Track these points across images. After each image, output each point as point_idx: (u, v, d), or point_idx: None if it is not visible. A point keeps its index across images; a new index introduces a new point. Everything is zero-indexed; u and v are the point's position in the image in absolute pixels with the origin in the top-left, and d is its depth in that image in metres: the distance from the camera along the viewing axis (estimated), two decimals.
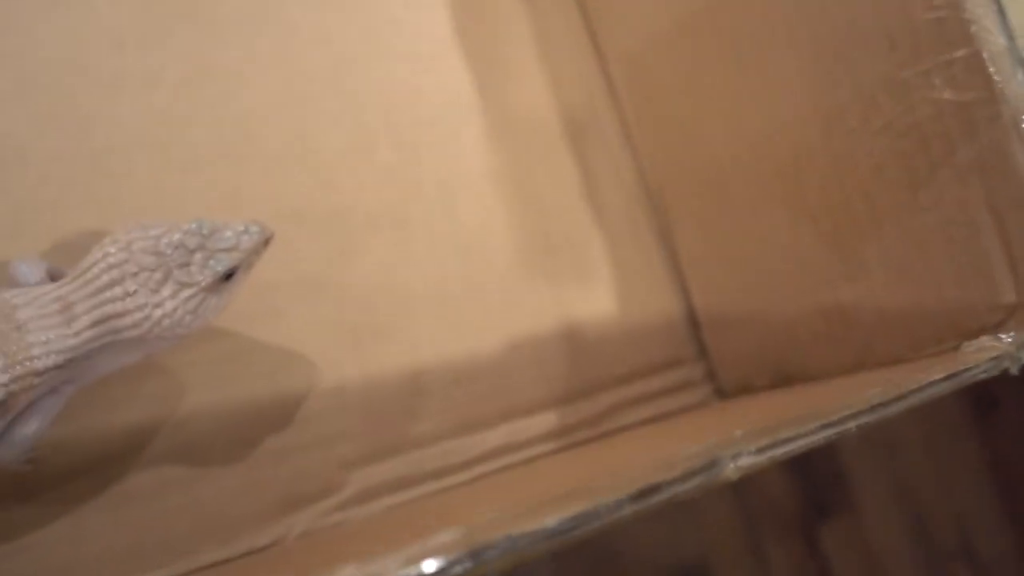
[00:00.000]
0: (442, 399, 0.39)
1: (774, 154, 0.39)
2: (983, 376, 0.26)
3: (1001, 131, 0.30)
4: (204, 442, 0.34)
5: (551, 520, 0.19)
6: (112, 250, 0.29)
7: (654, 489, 0.20)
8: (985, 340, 0.27)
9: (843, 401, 0.23)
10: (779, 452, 0.22)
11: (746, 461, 0.21)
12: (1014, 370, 0.27)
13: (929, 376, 0.25)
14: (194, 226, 0.29)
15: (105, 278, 0.28)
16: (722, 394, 0.45)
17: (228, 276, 0.30)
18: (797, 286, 0.39)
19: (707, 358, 0.45)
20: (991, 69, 0.30)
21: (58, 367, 0.28)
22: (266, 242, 0.31)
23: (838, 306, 0.37)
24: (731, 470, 0.21)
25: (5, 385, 0.27)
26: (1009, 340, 0.27)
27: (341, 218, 0.39)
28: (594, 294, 0.44)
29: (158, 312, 0.28)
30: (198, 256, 0.29)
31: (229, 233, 0.29)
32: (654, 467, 0.20)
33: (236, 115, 0.38)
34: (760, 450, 0.22)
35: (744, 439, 0.21)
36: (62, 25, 0.35)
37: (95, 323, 0.28)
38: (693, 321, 0.45)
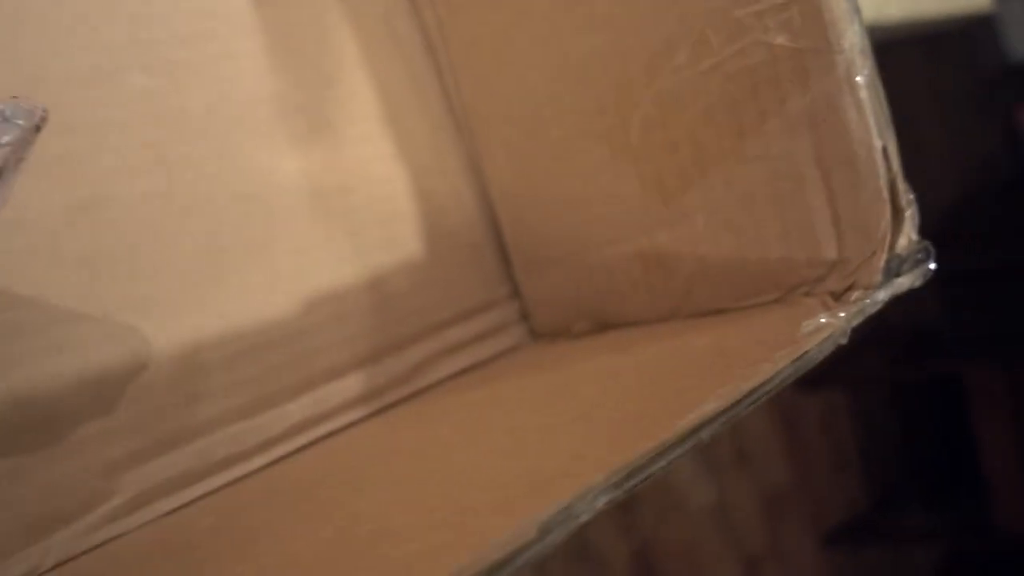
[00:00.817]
0: (228, 375, 0.33)
1: (595, 88, 0.35)
2: (820, 356, 0.25)
3: (833, 83, 0.29)
4: None
5: None
6: None
7: (510, 558, 0.17)
8: (821, 320, 0.26)
9: (691, 415, 0.21)
10: (636, 482, 0.20)
11: (603, 500, 0.19)
12: (843, 341, 0.27)
13: (776, 367, 0.23)
14: None
15: None
16: (536, 336, 0.43)
17: None
18: (616, 229, 0.37)
19: (520, 298, 0.43)
20: (827, 17, 0.28)
21: None
22: (37, 127, 0.25)
23: (657, 253, 0.36)
24: (588, 514, 0.19)
25: None
26: (842, 316, 0.26)
27: (82, 163, 0.31)
28: (397, 236, 0.39)
29: None
30: None
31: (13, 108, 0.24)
32: (508, 532, 0.17)
33: None
34: (616, 486, 0.19)
35: (601, 482, 0.18)
36: None
37: None
38: (505, 259, 0.42)
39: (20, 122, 0.25)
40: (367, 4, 0.40)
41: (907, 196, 0.29)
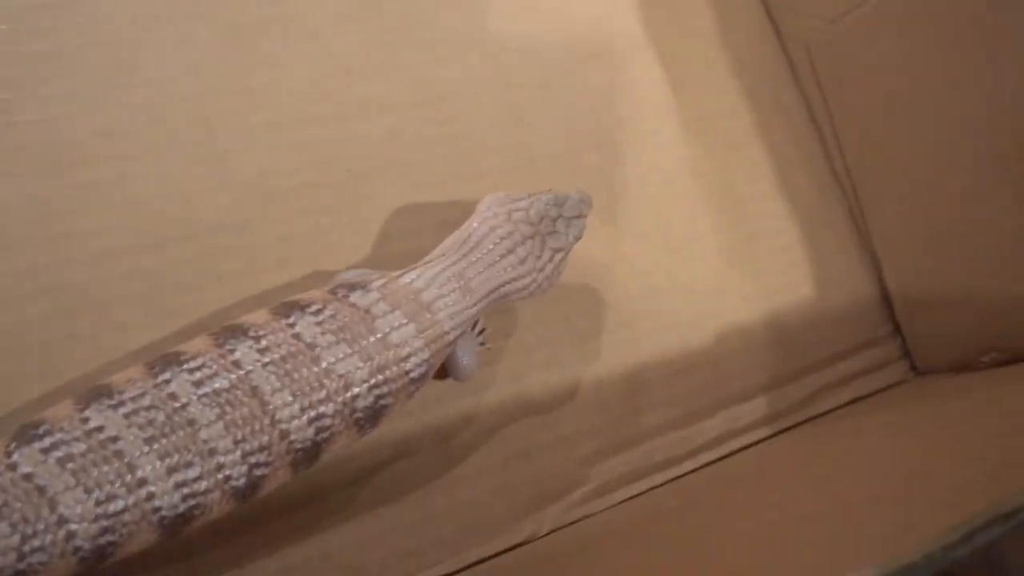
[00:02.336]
0: (664, 392, 0.41)
1: (993, 139, 0.39)
2: None
3: None
4: (462, 447, 0.37)
5: (936, 547, 0.20)
6: (495, 222, 0.32)
7: (1014, 513, 0.21)
8: None
9: None
10: None
11: None
12: None
13: None
14: (550, 198, 0.33)
15: (497, 250, 0.31)
16: (917, 371, 0.46)
17: (577, 239, 0.33)
18: (1015, 272, 0.39)
19: (901, 337, 0.46)
20: None
21: (459, 332, 0.31)
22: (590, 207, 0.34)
23: None
24: None
25: (427, 360, 0.30)
26: None
27: None
28: (793, 280, 0.45)
29: (540, 275, 0.32)
30: (560, 224, 0.33)
31: (573, 202, 0.33)
32: (1003, 495, 0.22)
33: (458, 134, 0.39)
34: None
35: None
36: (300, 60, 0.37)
37: (491, 291, 0.31)
38: (887, 301, 0.46)
39: (589, 203, 0.34)
40: (759, 83, 0.47)
41: None
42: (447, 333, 0.30)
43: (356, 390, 0.28)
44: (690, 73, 0.45)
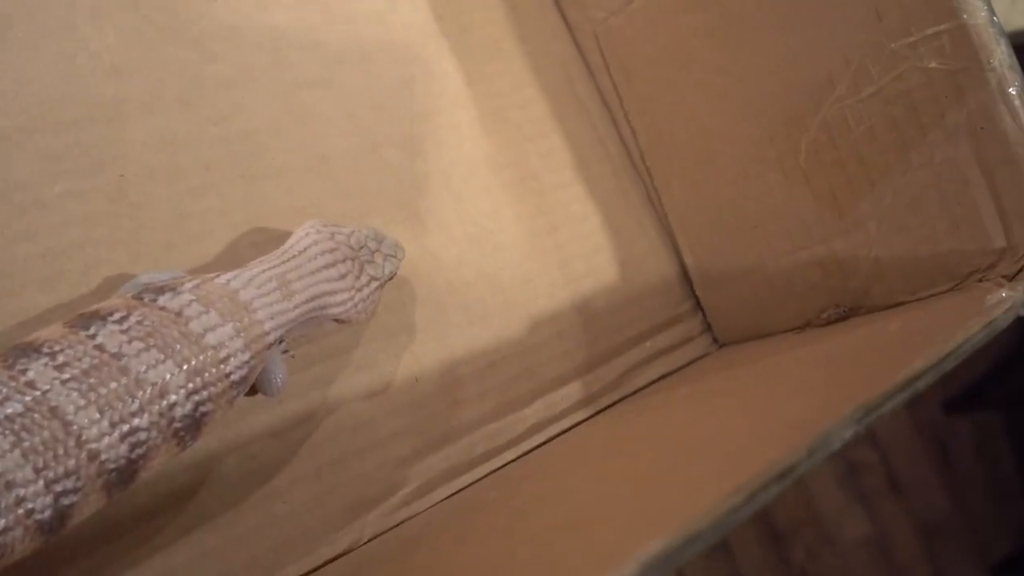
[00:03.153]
0: (479, 385, 0.41)
1: (764, 121, 0.41)
2: (1004, 325, 0.30)
3: (988, 96, 0.34)
4: (271, 462, 0.35)
5: (722, 511, 0.21)
6: (321, 238, 0.32)
7: (791, 469, 0.23)
8: (1003, 294, 0.31)
9: (900, 367, 0.26)
10: (872, 419, 0.25)
11: (850, 433, 0.24)
12: (1023, 312, 0.31)
13: (968, 332, 0.28)
14: (371, 232, 0.34)
15: (320, 261, 0.32)
16: (720, 344, 0.48)
17: (390, 279, 0.35)
18: (793, 241, 0.42)
19: (703, 312, 0.48)
20: (976, 41, 0.33)
21: (279, 340, 0.30)
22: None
23: (835, 258, 0.41)
24: (838, 442, 0.24)
25: (247, 362, 0.28)
26: (1020, 289, 0.31)
27: (356, 222, 0.39)
28: (598, 265, 0.46)
29: (357, 296, 0.33)
30: (378, 256, 0.34)
31: (390, 243, 0.35)
32: (783, 452, 0.23)
33: (238, 134, 0.37)
34: (857, 421, 0.25)
35: (848, 416, 0.24)
36: (52, 59, 0.34)
37: (311, 298, 0.31)
38: (687, 279, 0.48)
39: (402, 251, 0.35)
40: (553, 73, 0.47)
41: None
42: (267, 334, 0.29)
43: (173, 398, 0.26)
44: (484, 65, 0.45)
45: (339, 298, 0.32)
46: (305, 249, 0.32)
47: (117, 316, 0.27)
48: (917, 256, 0.38)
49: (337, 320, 0.33)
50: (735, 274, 0.46)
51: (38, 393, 0.24)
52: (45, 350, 0.25)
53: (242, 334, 0.28)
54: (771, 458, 0.23)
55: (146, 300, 0.27)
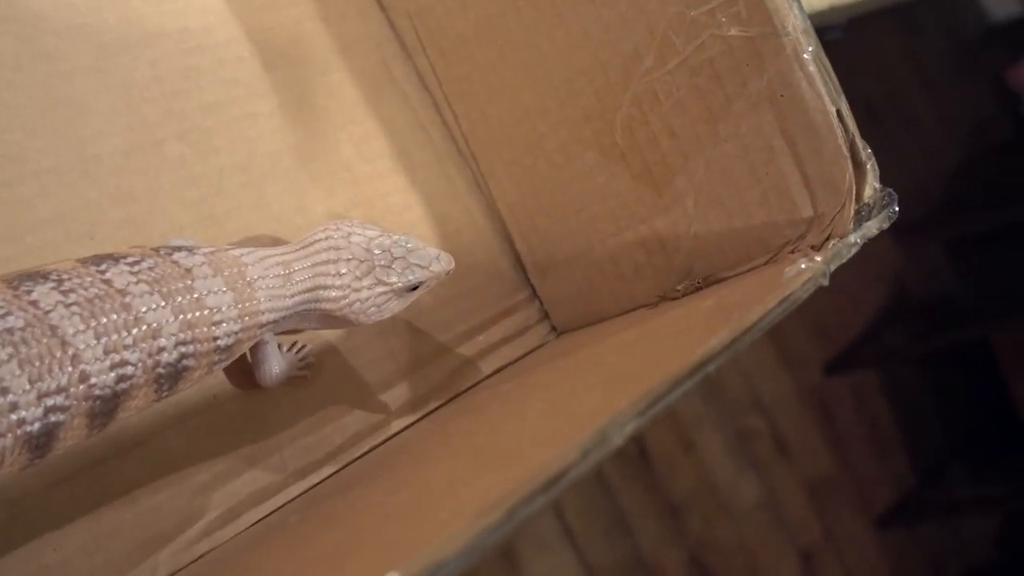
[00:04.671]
0: (291, 396, 0.37)
1: (580, 99, 0.39)
2: (806, 295, 0.29)
3: (785, 62, 0.33)
4: (36, 503, 0.31)
5: (474, 532, 0.19)
6: (335, 235, 0.33)
7: (560, 475, 0.21)
8: (801, 266, 0.30)
9: (698, 350, 0.25)
10: (658, 409, 0.23)
11: (631, 427, 0.23)
12: (825, 282, 0.30)
13: (765, 307, 0.27)
14: (403, 239, 0.35)
15: (324, 255, 0.33)
16: (558, 332, 0.47)
17: (414, 288, 0.35)
18: (616, 222, 0.41)
19: (539, 300, 0.47)
20: (770, 6, 0.32)
21: (273, 323, 0.32)
22: (448, 272, 0.36)
23: (657, 237, 0.40)
24: (619, 438, 0.22)
25: (236, 333, 0.30)
26: (819, 260, 0.30)
27: (138, 229, 0.36)
28: None
29: (353, 296, 0.33)
30: (398, 263, 0.34)
31: (426, 254, 0.35)
32: (553, 455, 0.21)
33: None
34: (640, 414, 0.23)
35: (628, 409, 0.22)
36: None
37: (307, 289, 0.32)
38: (521, 266, 0.46)
39: (444, 264, 0.35)
40: (366, 56, 0.44)
41: (865, 151, 0.33)
42: (262, 313, 0.31)
43: (163, 342, 0.28)
44: (284, 49, 0.42)
45: (332, 294, 0.33)
46: (314, 243, 0.33)
47: (131, 259, 0.29)
48: (733, 230, 0.37)
49: (333, 316, 0.33)
50: (567, 259, 0.44)
51: (40, 312, 0.26)
52: (53, 277, 0.27)
53: (239, 306, 0.30)
54: (542, 463, 0.21)
55: (162, 252, 0.30)
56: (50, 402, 0.25)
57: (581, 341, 0.42)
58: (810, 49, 0.32)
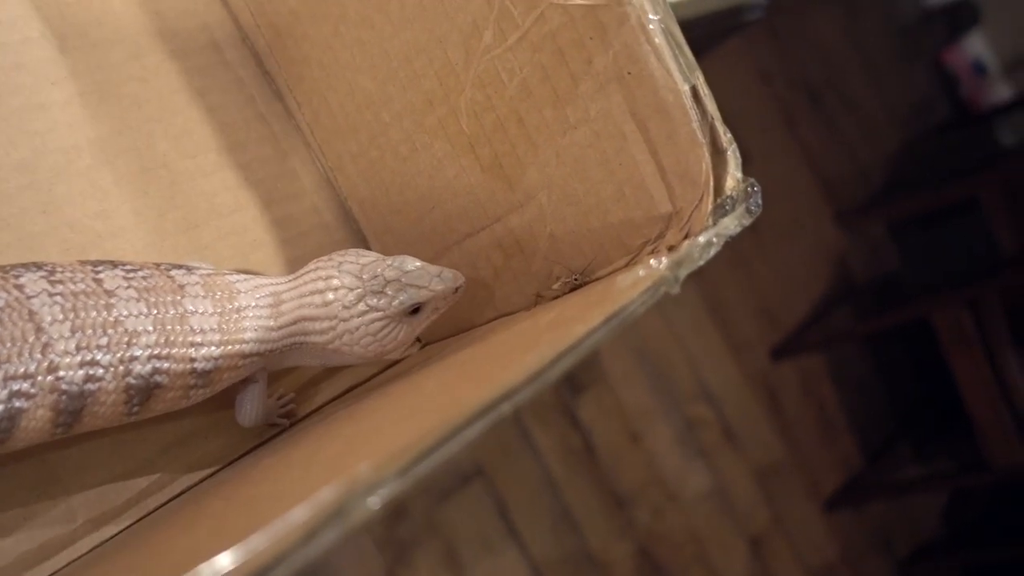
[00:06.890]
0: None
1: (422, 82, 0.34)
2: (645, 308, 0.24)
3: (630, 33, 0.28)
4: None
5: None
6: (324, 265, 0.32)
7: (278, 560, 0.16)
8: (640, 273, 0.26)
9: (498, 383, 0.20)
10: (421, 469, 0.18)
11: (385, 492, 0.18)
12: (675, 290, 0.26)
13: (588, 326, 0.22)
14: (396, 261, 0.32)
15: (311, 286, 0.31)
16: (423, 342, 0.42)
17: (414, 311, 0.31)
18: (471, 220, 0.36)
19: None
20: None
21: (257, 355, 0.30)
22: (456, 289, 0.32)
23: (513, 238, 0.35)
24: (369, 505, 0.18)
25: (216, 359, 0.29)
26: (661, 266, 0.26)
27: None
28: (258, 263, 0.38)
29: (343, 326, 0.31)
30: (391, 287, 0.31)
31: (423, 273, 0.32)
32: (273, 532, 0.16)
33: None
34: (397, 476, 0.18)
35: (372, 473, 0.17)
36: None
37: (294, 321, 0.31)
38: None
39: (447, 282, 0.32)
40: (190, 37, 0.39)
41: (726, 136, 0.28)
42: (246, 343, 0.30)
43: (137, 352, 0.27)
44: (86, 30, 0.36)
45: (320, 325, 0.31)
46: (305, 274, 0.32)
47: (129, 267, 0.29)
48: (590, 229, 0.32)
49: (328, 350, 0.31)
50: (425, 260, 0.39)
51: (23, 295, 0.26)
52: (47, 268, 0.27)
53: (222, 330, 0.29)
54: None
55: (162, 267, 0.30)
56: (16, 387, 0.25)
57: (435, 355, 0.37)
58: (655, 18, 0.27)
